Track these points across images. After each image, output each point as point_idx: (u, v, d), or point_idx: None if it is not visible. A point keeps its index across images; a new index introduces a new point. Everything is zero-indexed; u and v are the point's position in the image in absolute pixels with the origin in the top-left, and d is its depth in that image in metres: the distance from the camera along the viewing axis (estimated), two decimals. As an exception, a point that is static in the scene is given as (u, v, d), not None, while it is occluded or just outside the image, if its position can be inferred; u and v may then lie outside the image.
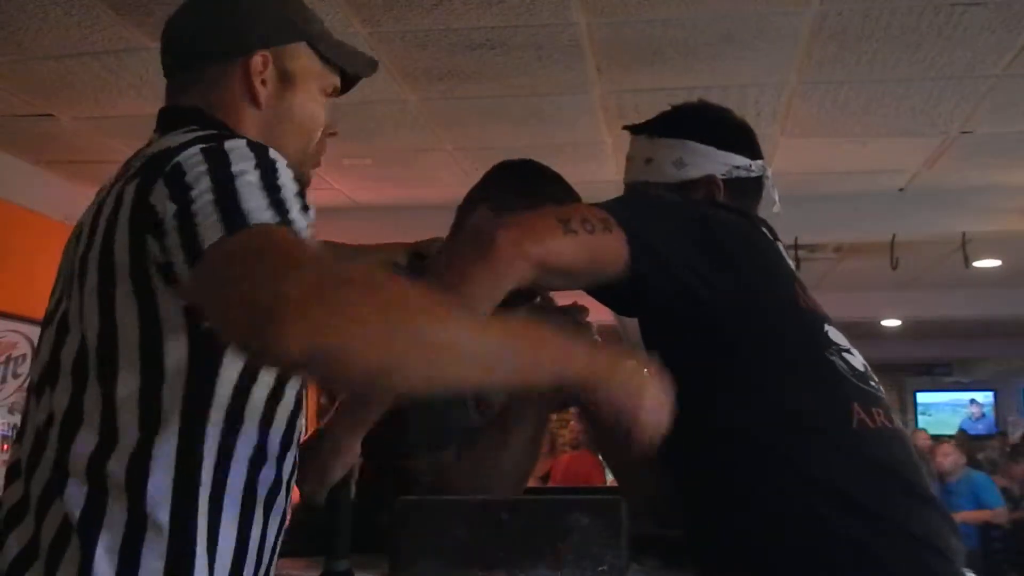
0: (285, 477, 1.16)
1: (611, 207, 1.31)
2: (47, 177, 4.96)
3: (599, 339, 1.65)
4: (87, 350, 1.07)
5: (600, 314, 1.47)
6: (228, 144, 1.06)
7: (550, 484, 7.15)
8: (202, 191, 1.00)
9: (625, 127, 1.65)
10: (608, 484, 5.30)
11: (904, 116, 4.28)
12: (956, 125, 4.41)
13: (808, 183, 5.37)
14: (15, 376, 4.79)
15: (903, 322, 9.97)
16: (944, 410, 13.46)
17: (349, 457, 1.31)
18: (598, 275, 1.30)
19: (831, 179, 5.37)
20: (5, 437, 4.70)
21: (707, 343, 1.33)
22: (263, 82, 1.26)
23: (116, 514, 1.03)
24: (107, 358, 1.06)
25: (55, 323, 1.14)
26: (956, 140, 4.63)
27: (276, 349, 0.84)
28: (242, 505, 1.10)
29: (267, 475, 1.12)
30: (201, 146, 1.06)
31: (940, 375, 13.83)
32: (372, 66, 1.41)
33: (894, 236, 5.89)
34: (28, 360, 4.82)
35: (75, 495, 1.04)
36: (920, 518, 1.27)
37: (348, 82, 1.37)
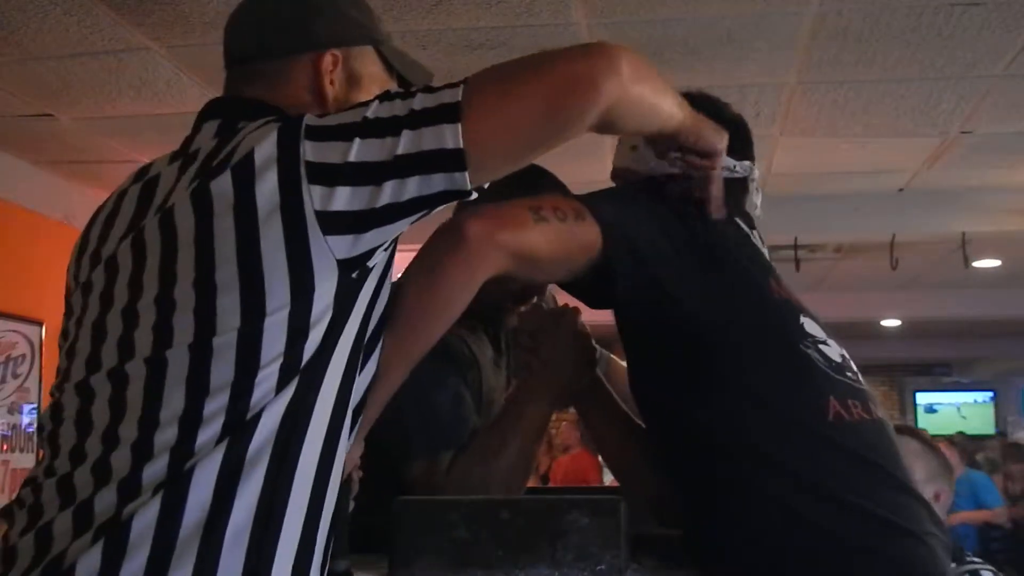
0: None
1: (585, 198, 1.31)
2: (47, 177, 4.96)
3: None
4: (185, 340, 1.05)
5: (600, 315, 1.47)
6: None
7: (550, 484, 7.17)
8: (379, 105, 1.09)
9: None
10: (607, 484, 5.31)
11: (904, 116, 4.28)
12: (956, 125, 4.41)
13: (808, 183, 5.37)
14: (15, 376, 4.79)
15: (903, 322, 9.98)
16: (945, 410, 13.47)
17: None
18: (571, 264, 1.30)
19: (831, 179, 5.37)
20: (5, 437, 4.70)
21: (680, 337, 1.33)
22: (332, 82, 1.26)
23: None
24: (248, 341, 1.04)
25: (114, 319, 1.11)
26: (956, 140, 4.64)
27: (615, 86, 1.11)
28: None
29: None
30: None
31: (940, 375, 13.83)
32: (428, 78, 1.40)
33: (894, 236, 5.90)
34: (28, 360, 4.82)
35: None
36: (898, 506, 1.28)
37: None
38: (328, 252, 1.05)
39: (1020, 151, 4.81)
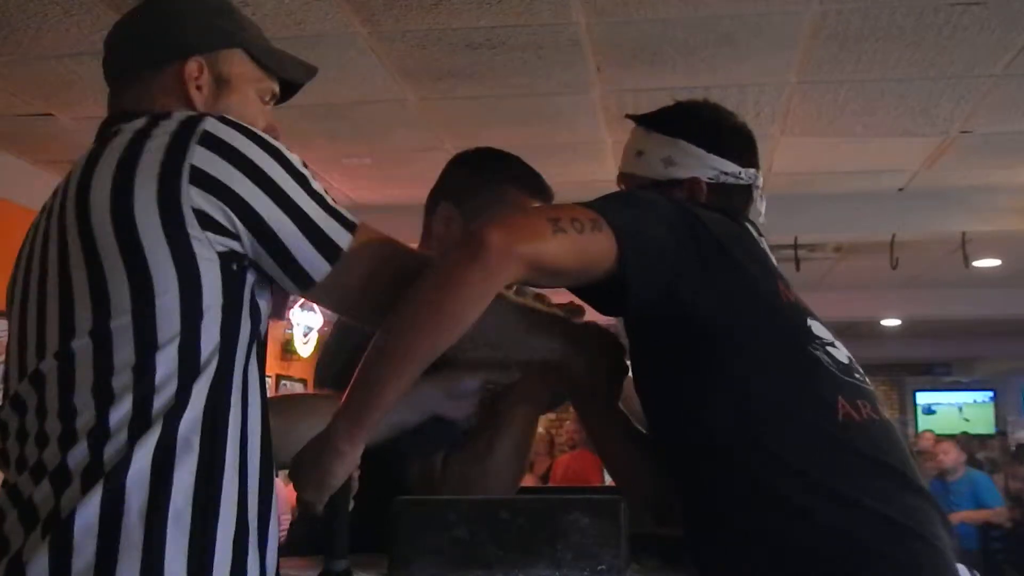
0: None
1: (600, 206, 1.31)
2: (47, 177, 4.96)
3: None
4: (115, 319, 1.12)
5: (595, 315, 1.48)
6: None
7: (550, 483, 7.17)
8: (289, 178, 1.18)
9: (627, 115, 1.65)
10: (607, 484, 5.29)
11: (904, 116, 4.28)
12: (956, 125, 4.41)
13: (808, 183, 5.37)
14: (15, 376, 4.79)
15: (903, 322, 9.97)
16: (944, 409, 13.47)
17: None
18: (587, 274, 1.30)
19: (831, 179, 5.37)
20: (5, 437, 4.69)
21: (691, 342, 1.33)
22: (198, 87, 1.31)
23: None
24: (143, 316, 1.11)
25: (44, 309, 1.18)
26: (956, 140, 4.64)
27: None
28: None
29: None
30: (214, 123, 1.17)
31: (940, 375, 13.83)
32: (310, 72, 1.45)
33: (894, 236, 5.89)
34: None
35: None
36: (907, 507, 1.28)
37: (290, 89, 1.44)
38: (208, 244, 1.13)
39: (1020, 151, 4.81)
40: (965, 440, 9.18)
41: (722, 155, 1.54)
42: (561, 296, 1.50)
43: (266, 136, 1.20)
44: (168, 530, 1.07)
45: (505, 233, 1.22)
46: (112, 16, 3.21)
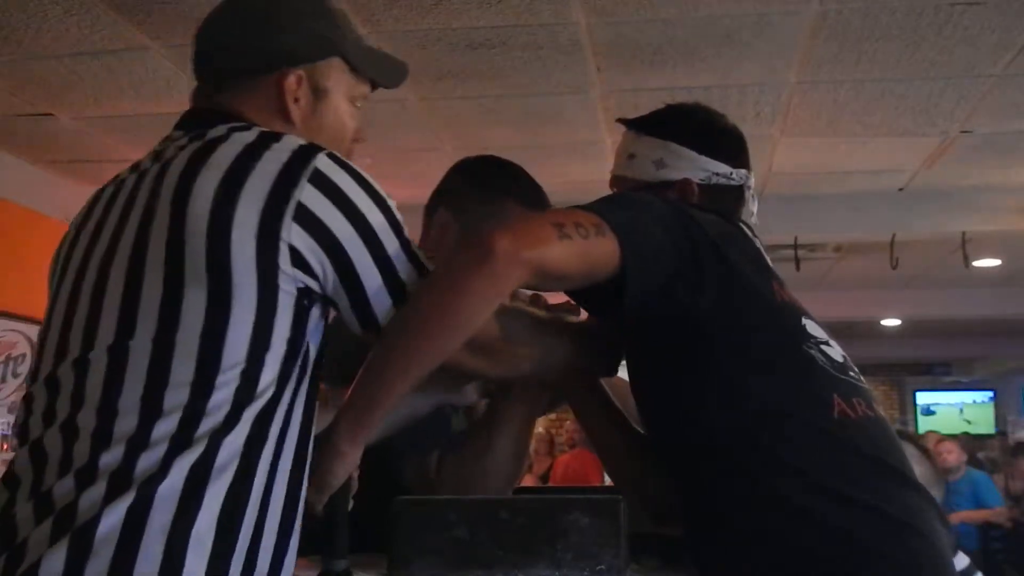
0: None
1: (601, 210, 1.31)
2: (47, 177, 4.96)
3: None
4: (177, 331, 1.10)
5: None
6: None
7: (550, 483, 7.17)
8: (392, 235, 1.20)
9: (618, 120, 1.66)
10: (607, 484, 5.28)
11: (904, 116, 4.29)
12: (956, 125, 4.41)
13: (808, 183, 5.38)
14: (15, 376, 4.79)
15: (903, 322, 9.98)
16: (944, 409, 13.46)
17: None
18: (591, 278, 1.31)
19: (831, 179, 5.37)
20: (5, 436, 4.70)
21: (689, 342, 1.34)
22: (296, 100, 1.29)
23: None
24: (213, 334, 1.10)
25: (81, 312, 1.16)
26: (956, 140, 4.64)
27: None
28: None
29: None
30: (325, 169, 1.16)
31: (940, 375, 13.82)
32: (403, 74, 1.43)
33: (894, 236, 5.90)
34: (28, 360, 4.82)
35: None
36: (907, 505, 1.28)
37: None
38: (291, 280, 1.13)
39: (1020, 151, 4.81)
40: (966, 440, 9.18)
41: (713, 156, 1.55)
42: (558, 296, 1.50)
43: (372, 182, 1.21)
44: (188, 552, 1.05)
45: (512, 239, 1.23)
46: (112, 16, 3.22)
